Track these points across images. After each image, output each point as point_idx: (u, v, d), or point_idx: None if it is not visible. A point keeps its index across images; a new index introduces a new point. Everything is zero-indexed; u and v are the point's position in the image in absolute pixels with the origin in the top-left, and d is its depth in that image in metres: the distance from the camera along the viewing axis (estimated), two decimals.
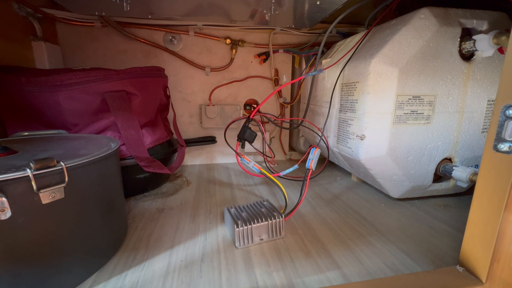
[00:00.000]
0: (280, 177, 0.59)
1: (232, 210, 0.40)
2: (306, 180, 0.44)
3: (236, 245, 0.36)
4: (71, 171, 0.25)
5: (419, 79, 0.42)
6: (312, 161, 0.45)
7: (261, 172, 0.44)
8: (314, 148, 0.46)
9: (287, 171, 0.47)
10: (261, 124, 0.49)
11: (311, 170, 0.45)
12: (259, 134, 0.70)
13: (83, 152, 0.30)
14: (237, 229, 0.35)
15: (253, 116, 0.45)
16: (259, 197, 0.53)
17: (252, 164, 0.44)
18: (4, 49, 0.51)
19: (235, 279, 0.30)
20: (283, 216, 0.38)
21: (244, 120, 0.47)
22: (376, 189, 0.56)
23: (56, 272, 0.26)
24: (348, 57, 0.50)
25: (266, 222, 0.36)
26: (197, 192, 0.55)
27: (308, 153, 0.46)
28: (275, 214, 0.38)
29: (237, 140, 0.48)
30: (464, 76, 0.43)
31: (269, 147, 0.71)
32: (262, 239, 0.37)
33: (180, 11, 0.59)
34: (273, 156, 0.76)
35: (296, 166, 0.47)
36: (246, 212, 0.39)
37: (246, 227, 0.35)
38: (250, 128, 0.46)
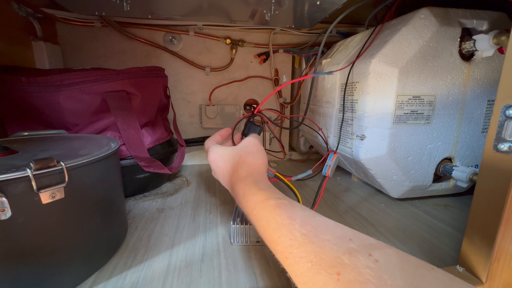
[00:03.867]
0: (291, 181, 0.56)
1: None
2: (321, 189, 0.39)
3: (231, 241, 0.36)
4: (71, 171, 0.25)
5: (419, 79, 0.42)
6: (329, 168, 0.40)
7: (275, 176, 0.39)
8: (333, 153, 0.40)
9: (300, 175, 0.44)
10: (266, 119, 0.44)
11: (327, 178, 0.40)
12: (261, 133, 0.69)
13: (83, 152, 0.30)
14: (233, 226, 0.36)
15: (257, 111, 0.41)
16: None
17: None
18: (4, 49, 0.51)
19: (235, 279, 0.30)
20: None
21: (248, 117, 0.43)
22: (376, 189, 0.56)
23: (56, 272, 0.26)
24: (348, 56, 0.50)
25: None
26: (197, 192, 0.55)
27: (326, 158, 0.41)
28: None
29: (241, 137, 0.45)
30: (464, 76, 0.43)
31: (278, 140, 0.69)
32: (258, 242, 0.36)
33: (180, 11, 0.59)
34: (282, 148, 0.73)
35: (309, 172, 0.44)
36: None
37: (241, 226, 0.36)
38: (254, 123, 0.42)
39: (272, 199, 0.24)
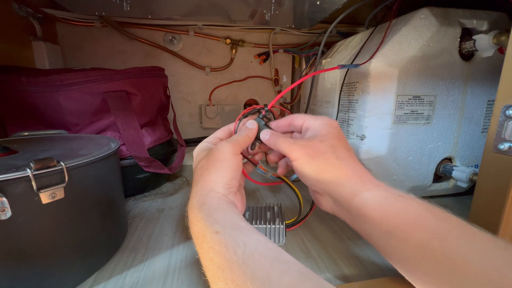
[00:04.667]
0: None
1: None
2: None
3: None
4: (71, 171, 0.25)
5: (419, 79, 0.42)
6: None
7: (279, 178, 0.37)
8: None
9: (294, 176, 0.43)
10: (277, 116, 0.38)
11: None
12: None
13: (83, 152, 0.30)
14: None
15: (271, 107, 0.34)
16: (259, 198, 0.53)
17: (270, 173, 0.36)
18: (4, 49, 0.51)
19: None
20: (283, 224, 0.36)
21: (257, 111, 0.34)
22: None
23: (56, 272, 0.26)
24: (348, 56, 0.50)
25: (264, 226, 0.35)
26: None
27: None
28: (277, 220, 0.36)
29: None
30: (464, 76, 0.43)
31: None
32: None
33: (180, 11, 0.59)
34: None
35: None
36: (250, 212, 0.38)
37: None
38: (267, 124, 0.33)
39: (208, 234, 0.21)
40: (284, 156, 0.35)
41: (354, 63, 0.47)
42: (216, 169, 0.27)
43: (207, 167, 0.27)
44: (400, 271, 0.24)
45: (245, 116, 0.34)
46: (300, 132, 0.32)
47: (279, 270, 0.18)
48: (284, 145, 0.28)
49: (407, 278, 0.24)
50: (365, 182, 0.26)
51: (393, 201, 0.23)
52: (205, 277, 0.20)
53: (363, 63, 0.48)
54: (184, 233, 0.39)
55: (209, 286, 0.20)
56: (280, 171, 0.34)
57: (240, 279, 0.17)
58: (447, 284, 0.20)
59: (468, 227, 0.21)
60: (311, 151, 0.27)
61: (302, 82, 0.74)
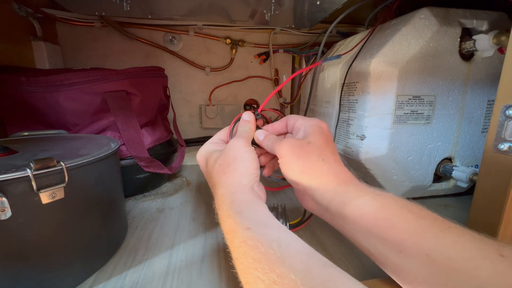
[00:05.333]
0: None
1: None
2: None
3: None
4: (71, 171, 0.25)
5: (419, 79, 0.42)
6: None
7: (283, 180, 0.36)
8: None
9: None
10: (269, 121, 0.38)
11: None
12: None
13: (83, 152, 0.30)
14: None
15: (261, 110, 0.35)
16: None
17: (275, 176, 0.36)
18: (4, 49, 0.51)
19: (235, 280, 0.30)
20: (287, 224, 0.36)
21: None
22: None
23: (56, 272, 0.26)
24: (348, 56, 0.50)
25: None
26: (197, 192, 0.55)
27: None
28: (281, 220, 0.36)
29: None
30: (464, 76, 0.43)
31: None
32: None
33: (180, 11, 0.59)
34: None
35: None
36: None
37: None
38: (260, 127, 0.34)
39: (239, 230, 0.21)
40: (273, 157, 0.35)
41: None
42: (240, 163, 0.27)
43: (229, 163, 0.28)
44: (382, 268, 0.25)
45: (235, 122, 0.35)
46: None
47: (317, 265, 0.18)
48: (276, 144, 0.29)
49: (389, 274, 0.24)
50: (347, 183, 0.26)
51: (371, 201, 0.24)
52: (234, 269, 0.21)
53: (345, 53, 0.49)
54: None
55: (237, 278, 0.20)
56: (266, 171, 0.35)
57: (281, 270, 0.17)
58: (426, 278, 0.20)
59: (444, 222, 0.22)
60: (298, 150, 0.27)
61: (301, 83, 0.74)
